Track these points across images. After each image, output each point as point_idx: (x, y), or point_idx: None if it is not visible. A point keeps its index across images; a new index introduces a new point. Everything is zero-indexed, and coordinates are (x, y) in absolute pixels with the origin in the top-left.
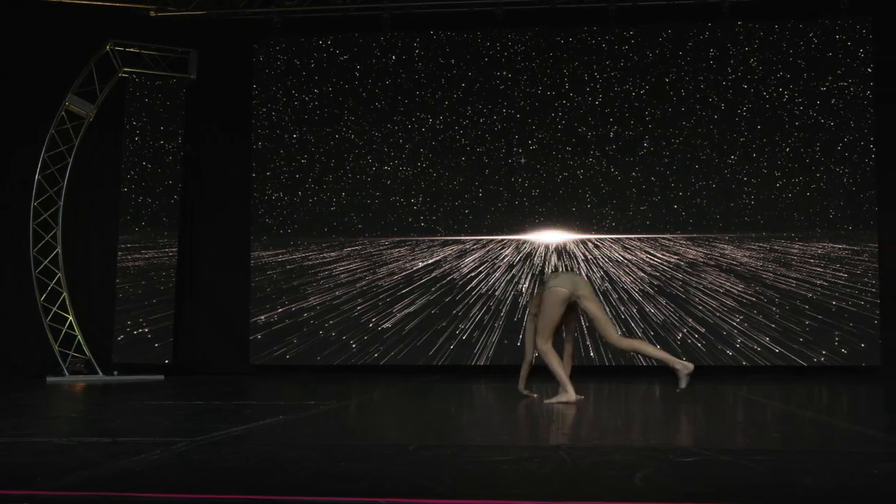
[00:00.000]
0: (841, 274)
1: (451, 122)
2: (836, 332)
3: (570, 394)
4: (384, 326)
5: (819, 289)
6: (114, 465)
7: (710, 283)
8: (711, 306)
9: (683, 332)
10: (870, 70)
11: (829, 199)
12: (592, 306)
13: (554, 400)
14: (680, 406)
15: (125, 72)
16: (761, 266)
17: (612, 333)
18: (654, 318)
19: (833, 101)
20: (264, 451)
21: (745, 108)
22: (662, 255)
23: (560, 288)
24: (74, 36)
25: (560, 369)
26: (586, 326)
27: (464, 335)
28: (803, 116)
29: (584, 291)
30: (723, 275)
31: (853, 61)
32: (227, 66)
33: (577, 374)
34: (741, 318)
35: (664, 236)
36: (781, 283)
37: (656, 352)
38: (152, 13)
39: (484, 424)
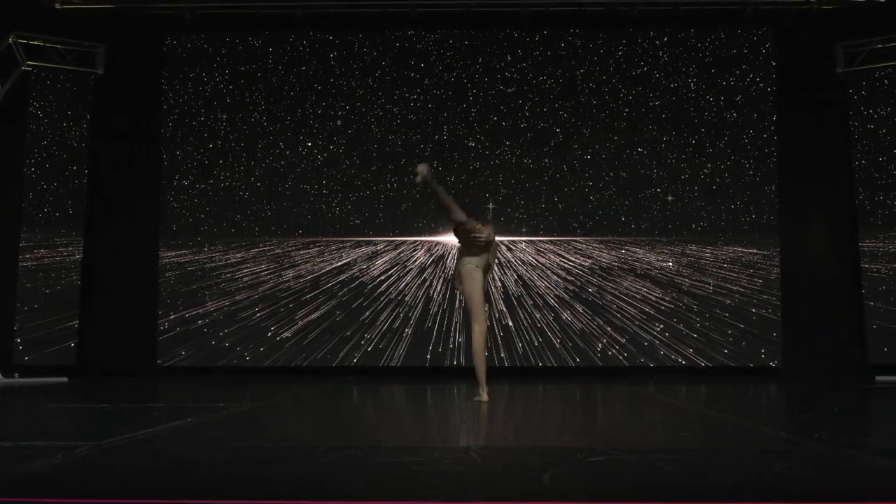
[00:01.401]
0: (757, 280)
1: (364, 112)
2: (742, 335)
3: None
4: (297, 327)
5: (737, 295)
6: (15, 469)
7: (627, 288)
8: (630, 314)
9: (603, 343)
10: (773, 63)
11: (733, 191)
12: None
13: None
14: (591, 407)
15: (29, 65)
16: (675, 271)
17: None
18: (572, 326)
19: (738, 98)
20: (172, 453)
21: (654, 102)
22: (576, 258)
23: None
24: None
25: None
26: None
27: (370, 346)
28: (710, 110)
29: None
30: (638, 280)
31: (756, 57)
32: (137, 60)
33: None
34: (661, 326)
35: (577, 239)
36: (698, 289)
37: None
38: (58, 5)
39: (395, 426)
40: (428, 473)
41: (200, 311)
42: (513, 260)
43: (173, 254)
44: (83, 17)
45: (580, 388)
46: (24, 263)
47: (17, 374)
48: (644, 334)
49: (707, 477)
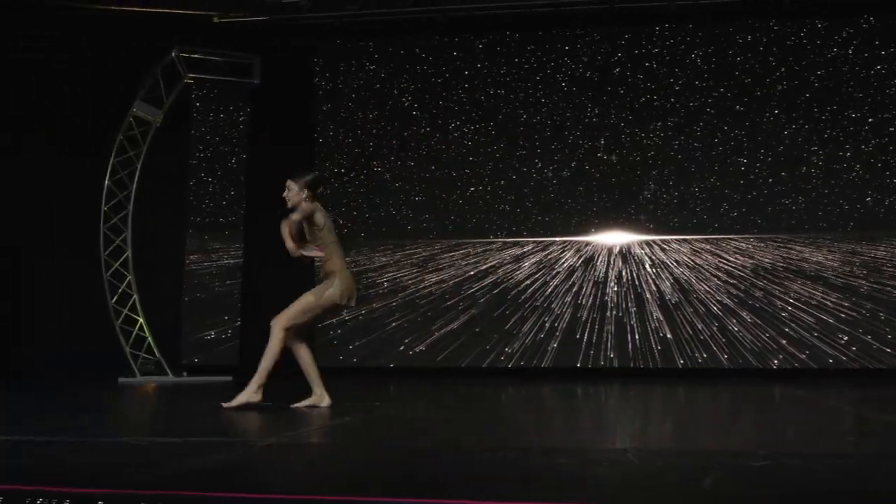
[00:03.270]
0: None
1: (511, 99)
2: None
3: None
4: (450, 328)
5: None
6: (183, 463)
7: (796, 291)
8: (806, 322)
9: (779, 359)
10: None
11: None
12: None
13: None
14: (750, 409)
15: (190, 77)
16: (849, 271)
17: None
18: (741, 338)
19: None
20: (327, 453)
21: (811, 76)
22: (735, 258)
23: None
24: (141, 43)
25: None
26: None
27: (519, 349)
28: (871, 87)
29: None
30: (807, 281)
31: None
32: (290, 71)
33: (640, 376)
34: (831, 329)
35: (732, 237)
36: (863, 285)
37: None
38: (216, 19)
39: (547, 426)
40: (583, 475)
41: (356, 311)
42: (668, 262)
43: None
44: (240, 31)
45: (735, 389)
46: (189, 267)
47: (185, 373)
48: (842, 357)
49: (873, 483)
